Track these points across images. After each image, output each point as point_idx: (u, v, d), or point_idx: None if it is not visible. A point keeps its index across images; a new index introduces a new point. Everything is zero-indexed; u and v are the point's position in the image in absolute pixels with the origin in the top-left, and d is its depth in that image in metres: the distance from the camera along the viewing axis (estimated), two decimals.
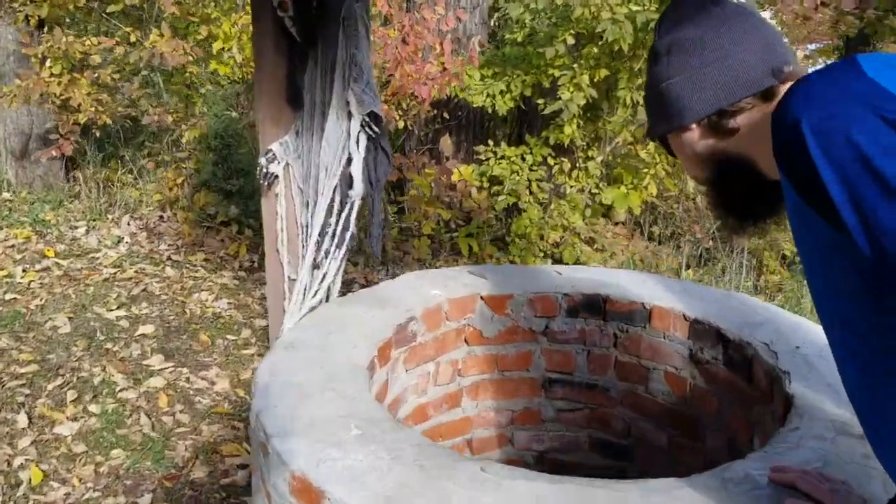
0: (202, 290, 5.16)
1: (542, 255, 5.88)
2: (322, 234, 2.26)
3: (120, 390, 3.85)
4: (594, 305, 2.59)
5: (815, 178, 1.05)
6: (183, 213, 6.08)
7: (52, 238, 5.59)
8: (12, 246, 5.36)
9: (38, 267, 5.12)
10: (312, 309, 2.29)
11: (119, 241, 5.72)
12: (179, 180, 6.13)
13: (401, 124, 5.52)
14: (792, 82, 1.19)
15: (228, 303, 5.00)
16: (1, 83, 5.95)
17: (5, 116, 6.14)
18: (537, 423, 2.74)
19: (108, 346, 4.25)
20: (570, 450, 2.76)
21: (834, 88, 1.09)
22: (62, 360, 4.03)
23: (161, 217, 6.17)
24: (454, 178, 5.88)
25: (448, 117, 6.11)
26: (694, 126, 1.40)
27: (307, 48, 2.35)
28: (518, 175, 5.72)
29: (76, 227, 5.79)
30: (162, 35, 5.62)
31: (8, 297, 4.65)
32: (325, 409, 1.78)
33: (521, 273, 2.74)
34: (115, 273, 5.22)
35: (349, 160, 2.17)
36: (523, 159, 5.79)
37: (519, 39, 5.69)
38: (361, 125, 2.12)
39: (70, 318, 4.48)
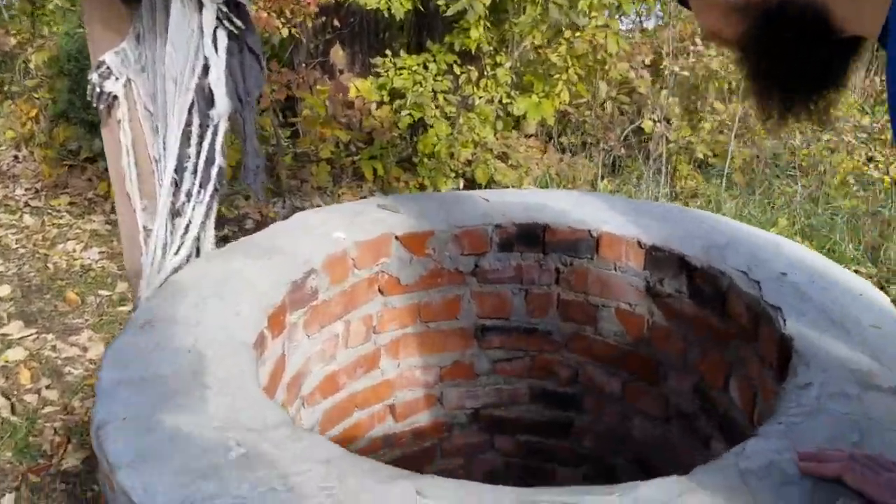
0: (68, 240, 4.47)
1: (453, 175, 5.41)
2: (180, 170, 1.72)
3: None
4: (531, 236, 2.16)
5: None
6: (41, 150, 5.27)
7: None
8: None
9: None
10: (177, 270, 1.77)
11: None
12: (33, 113, 5.29)
13: (284, 33, 4.85)
14: None
15: (100, 252, 4.34)
16: None
17: None
18: (470, 377, 2.33)
19: None
20: (509, 403, 2.37)
21: None
22: None
23: (15, 157, 5.34)
24: (351, 94, 5.28)
25: (339, 25, 5.45)
26: None
27: None
28: (421, 87, 5.18)
29: None
30: None
31: None
32: (196, 416, 1.29)
33: (441, 202, 2.27)
34: None
35: (205, 68, 1.61)
36: (426, 68, 5.24)
37: None
38: (218, 18, 1.56)
39: None
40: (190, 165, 1.72)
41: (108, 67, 1.85)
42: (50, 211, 4.82)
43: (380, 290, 2.13)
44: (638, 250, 2.05)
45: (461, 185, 5.68)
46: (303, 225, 2.06)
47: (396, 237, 2.09)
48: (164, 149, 1.69)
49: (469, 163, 5.49)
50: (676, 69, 5.78)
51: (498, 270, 2.20)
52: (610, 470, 2.32)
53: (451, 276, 2.20)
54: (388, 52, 5.53)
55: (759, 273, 1.80)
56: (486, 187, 5.70)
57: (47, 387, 3.20)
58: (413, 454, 2.36)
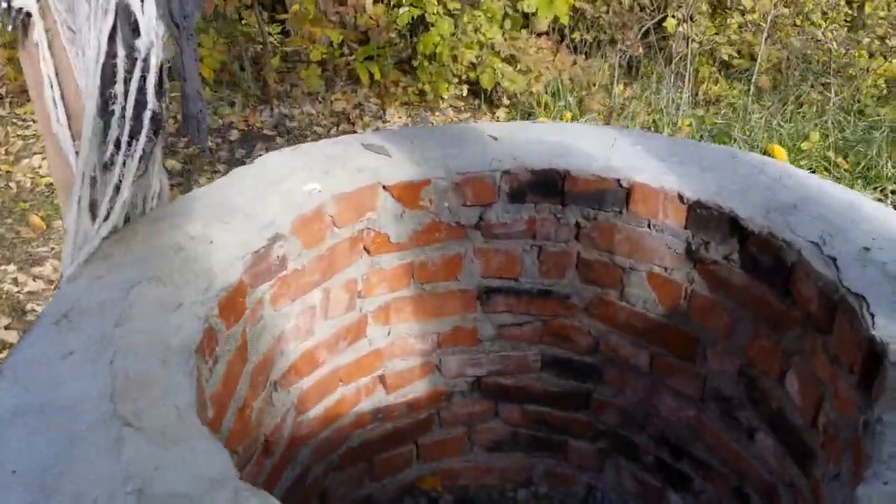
0: (34, 154, 4.07)
1: (456, 80, 4.94)
2: (105, 113, 1.33)
3: None
4: (547, 185, 1.79)
5: None
6: (5, 50, 4.78)
7: None
8: None
9: None
10: (107, 238, 1.41)
11: None
12: None
13: None
14: None
15: None
16: None
17: None
18: (472, 343, 2.01)
19: None
20: (517, 372, 2.06)
21: None
22: None
23: None
24: None
25: None
26: None
27: None
28: None
29: None
30: None
31: None
32: (107, 470, 0.97)
33: (441, 140, 1.88)
34: None
35: None
36: None
37: None
38: None
39: None
40: (117, 109, 1.33)
41: None
42: (15, 120, 4.40)
43: (365, 250, 1.78)
44: (678, 206, 1.68)
45: (464, 92, 5.21)
46: (267, 174, 1.69)
47: (385, 187, 1.72)
48: (86, 88, 1.30)
49: (473, 66, 5.01)
50: None
51: (507, 224, 1.84)
52: (630, 446, 2.03)
53: (451, 230, 1.84)
54: None
55: (836, 246, 1.44)
56: (492, 93, 5.23)
57: (6, 327, 2.90)
58: (407, 427, 2.07)
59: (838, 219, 1.52)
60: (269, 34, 5.36)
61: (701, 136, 4.83)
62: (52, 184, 3.82)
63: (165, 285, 1.34)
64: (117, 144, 1.35)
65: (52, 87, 1.54)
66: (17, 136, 4.25)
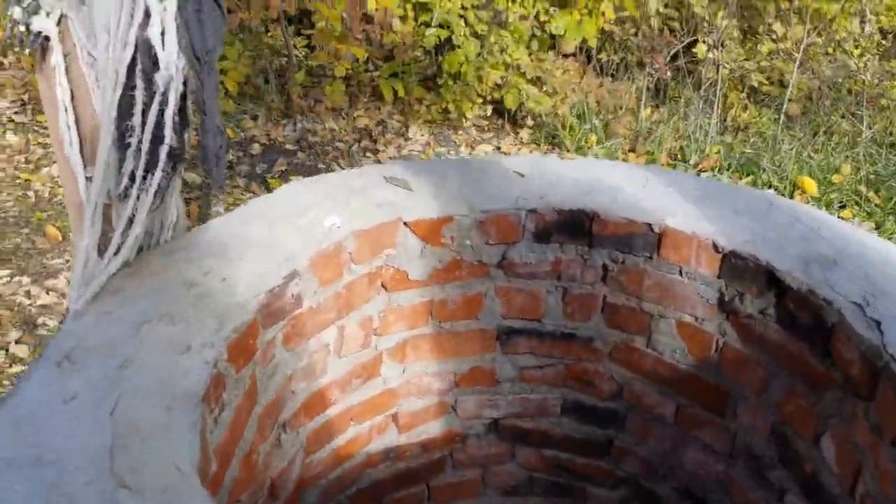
0: (53, 163, 4.06)
1: (480, 100, 4.89)
2: (122, 145, 1.28)
3: None
4: (575, 225, 1.72)
5: None
6: (29, 57, 4.79)
7: None
8: None
9: None
10: (116, 274, 1.35)
11: None
12: None
13: None
14: None
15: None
16: None
17: None
18: (490, 384, 1.94)
19: None
20: (536, 415, 1.99)
21: None
22: None
23: (0, 64, 4.87)
24: (370, 6, 4.71)
25: None
26: None
27: None
28: (450, 1, 4.59)
29: None
30: None
31: None
32: None
33: (464, 175, 1.82)
34: None
35: (146, 14, 1.16)
36: None
37: None
38: None
39: None
40: (133, 141, 1.28)
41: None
42: (36, 128, 4.39)
43: (383, 287, 1.71)
44: (712, 254, 1.61)
45: (489, 112, 5.16)
46: (286, 206, 1.63)
47: (405, 223, 1.66)
48: (104, 120, 1.26)
49: (498, 86, 4.95)
50: None
51: (531, 264, 1.77)
52: (652, 497, 1.95)
53: (473, 268, 1.77)
54: None
55: (880, 308, 1.36)
56: (516, 113, 5.18)
57: (17, 340, 2.87)
58: (419, 467, 2.00)
59: (881, 277, 1.44)
60: (295, 48, 5.34)
61: (729, 165, 4.74)
62: None
63: (176, 324, 1.28)
64: (132, 177, 1.30)
65: (66, 111, 1.50)
66: (38, 143, 4.25)
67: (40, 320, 2.99)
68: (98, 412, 1.10)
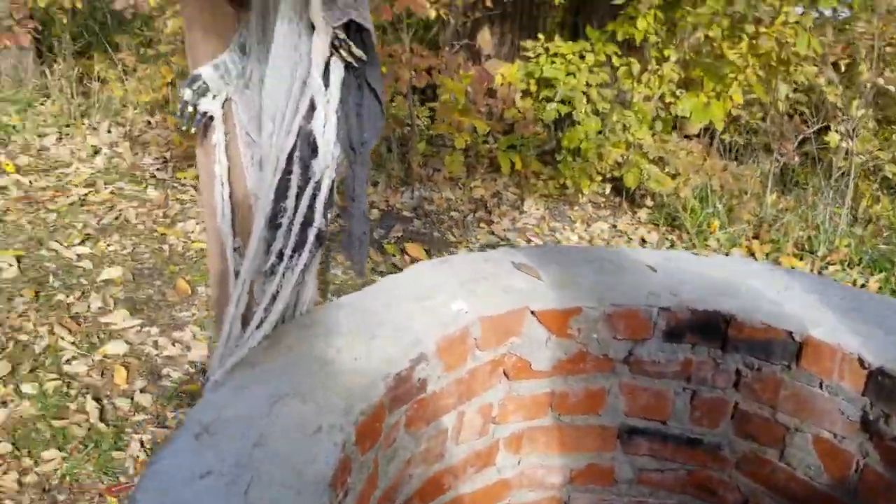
0: (188, 218, 4.29)
1: (599, 178, 4.86)
2: (273, 224, 1.34)
3: (67, 360, 3.06)
4: (709, 327, 1.66)
5: None
6: (174, 118, 5.14)
7: (16, 149, 4.72)
8: None
9: None
10: (256, 347, 1.40)
11: (96, 153, 4.84)
12: (169, 78, 5.16)
13: (432, 14, 4.44)
14: None
15: None
16: None
17: None
18: (607, 483, 1.86)
19: (61, 297, 3.43)
20: None
21: None
22: (0, 317, 3.24)
23: (148, 123, 5.25)
24: (497, 81, 4.82)
25: (492, 5, 4.97)
26: None
27: None
28: (574, 78, 4.64)
29: (45, 135, 4.90)
30: None
31: None
32: None
33: (595, 265, 1.79)
34: (86, 194, 4.36)
35: (311, 106, 1.22)
36: (582, 58, 4.69)
37: None
38: (333, 45, 1.15)
39: (19, 259, 3.66)
40: (285, 222, 1.33)
41: (203, 82, 1.49)
42: (175, 184, 4.67)
43: (505, 375, 1.69)
44: (857, 370, 1.51)
45: (607, 190, 5.13)
46: (415, 287, 1.65)
47: (532, 312, 1.65)
48: (260, 200, 1.32)
49: (618, 164, 4.93)
50: (881, 81, 4.92)
51: (659, 363, 1.71)
52: None
53: (598, 363, 1.73)
54: (539, 35, 5.01)
55: None
56: (634, 192, 5.12)
57: (142, 390, 2.99)
58: None
59: None
60: (417, 118, 5.50)
61: (860, 259, 4.50)
62: (201, 250, 4.00)
63: (307, 402, 1.30)
64: (280, 255, 1.34)
65: (222, 185, 1.59)
66: (176, 199, 4.51)
67: (165, 371, 3.12)
68: (232, 490, 1.12)
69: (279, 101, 1.25)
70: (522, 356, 1.68)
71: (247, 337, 1.39)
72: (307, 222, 1.29)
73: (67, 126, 5.02)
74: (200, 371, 3.16)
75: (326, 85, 1.21)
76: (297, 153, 1.28)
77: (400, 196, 4.92)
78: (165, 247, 3.98)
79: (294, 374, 1.36)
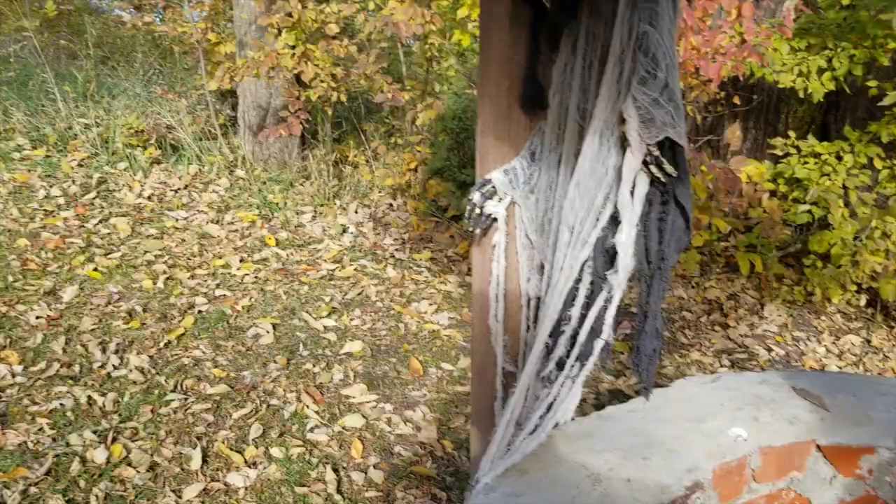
0: (422, 299, 4.46)
1: (854, 287, 4.46)
2: (556, 332, 1.34)
3: (311, 428, 3.24)
4: None
5: None
6: (413, 202, 5.45)
7: (277, 224, 5.20)
8: (236, 230, 5.05)
9: (256, 257, 4.73)
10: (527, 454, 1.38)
11: (344, 231, 5.21)
12: (413, 164, 5.49)
13: None
14: None
15: (449, 318, 4.26)
16: (242, 55, 5.67)
17: (245, 90, 5.89)
18: None
19: (309, 366, 3.67)
20: None
21: None
22: (256, 380, 3.52)
23: (390, 206, 5.59)
24: (742, 178, 4.63)
25: (738, 103, 4.82)
26: None
27: (561, 22, 1.41)
28: (830, 179, 4.34)
29: (302, 213, 5.37)
30: (402, 0, 4.94)
31: (219, 292, 4.27)
32: None
33: (888, 396, 1.61)
34: (333, 270, 4.69)
35: (614, 220, 1.21)
36: (839, 159, 4.39)
37: (846, 1, 4.27)
38: (645, 162, 1.15)
39: (275, 326, 3.98)
40: (568, 331, 1.32)
41: (492, 186, 1.55)
42: (411, 265, 4.90)
43: None
44: None
45: (862, 301, 4.69)
46: (686, 407, 1.57)
47: (818, 446, 1.50)
48: (545, 300, 1.33)
49: (875, 276, 4.50)
50: None
51: None
52: None
53: None
54: (790, 133, 4.77)
55: None
56: (891, 305, 4.64)
57: (375, 465, 3.09)
58: None
59: None
60: None
61: None
62: (434, 331, 4.13)
63: None
64: (559, 364, 1.33)
65: (497, 284, 1.62)
66: (412, 279, 4.72)
67: (396, 448, 3.20)
68: None
69: (580, 213, 1.26)
70: (802, 493, 1.53)
71: (519, 442, 1.38)
72: (594, 333, 1.28)
73: (321, 205, 5.48)
74: (428, 453, 3.22)
75: (631, 200, 1.20)
76: (589, 264, 1.27)
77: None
78: (401, 325, 4.15)
79: (567, 488, 1.33)
